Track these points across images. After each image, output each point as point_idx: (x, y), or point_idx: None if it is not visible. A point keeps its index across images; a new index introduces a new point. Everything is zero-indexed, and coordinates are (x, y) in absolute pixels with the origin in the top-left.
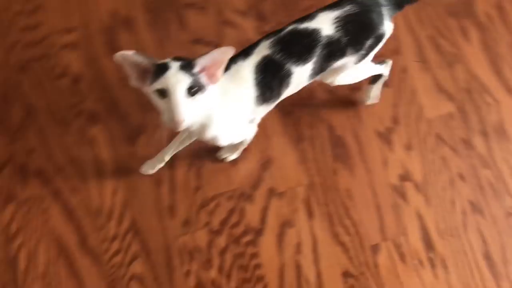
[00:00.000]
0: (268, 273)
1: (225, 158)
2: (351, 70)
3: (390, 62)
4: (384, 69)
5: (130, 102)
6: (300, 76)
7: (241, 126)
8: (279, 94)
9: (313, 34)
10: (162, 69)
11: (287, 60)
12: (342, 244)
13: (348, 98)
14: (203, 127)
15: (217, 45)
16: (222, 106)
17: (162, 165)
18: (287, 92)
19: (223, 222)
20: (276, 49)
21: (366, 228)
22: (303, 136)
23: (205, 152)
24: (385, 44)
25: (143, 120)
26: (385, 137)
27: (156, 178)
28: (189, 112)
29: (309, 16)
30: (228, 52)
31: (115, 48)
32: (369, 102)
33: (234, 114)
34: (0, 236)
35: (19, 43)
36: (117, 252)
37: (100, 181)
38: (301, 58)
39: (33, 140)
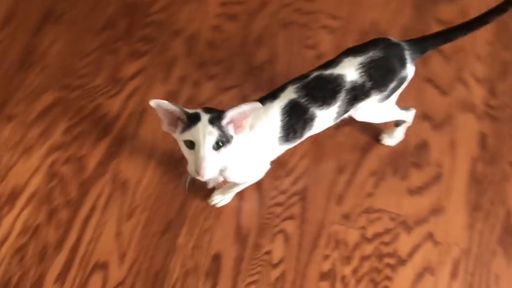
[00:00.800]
0: None
1: (216, 203)
2: (374, 108)
3: (413, 111)
4: (408, 116)
5: None
6: (324, 119)
7: (260, 165)
8: (301, 135)
9: (337, 80)
10: (193, 119)
11: (312, 105)
12: None
13: None
14: (233, 166)
15: (444, 92)
16: (246, 146)
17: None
18: (309, 134)
19: (376, 235)
20: (302, 94)
21: None
22: (481, 207)
23: (392, 170)
24: None
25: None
26: None
27: (341, 165)
28: (213, 165)
29: (334, 62)
30: (256, 107)
31: None
32: (388, 142)
33: (257, 154)
34: None
35: (293, 5)
36: (279, 204)
37: None
38: (325, 102)
39: (262, 83)
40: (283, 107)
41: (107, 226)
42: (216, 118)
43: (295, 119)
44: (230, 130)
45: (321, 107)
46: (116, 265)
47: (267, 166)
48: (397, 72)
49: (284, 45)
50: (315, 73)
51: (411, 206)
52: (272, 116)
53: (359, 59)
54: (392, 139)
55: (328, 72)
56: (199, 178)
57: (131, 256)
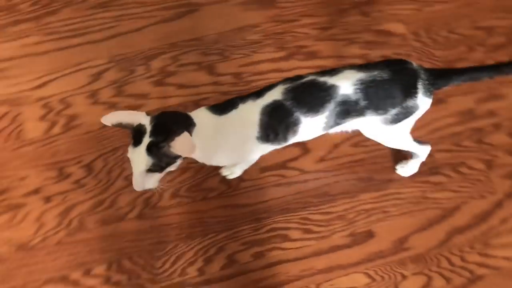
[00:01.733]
0: None
1: (226, 175)
2: (378, 129)
3: (428, 147)
4: (420, 150)
5: None
6: (310, 126)
7: (243, 156)
8: (285, 138)
9: (329, 90)
10: (136, 138)
11: (297, 109)
12: None
13: None
14: (206, 158)
15: None
16: (224, 141)
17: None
18: (295, 139)
19: None
20: (288, 96)
21: None
22: None
23: None
24: None
25: None
26: None
27: None
28: (146, 183)
29: (334, 71)
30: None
31: None
32: (401, 172)
33: (235, 149)
34: None
35: None
36: (454, 272)
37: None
38: (312, 110)
39: None
40: (264, 107)
41: None
42: (156, 145)
43: (277, 121)
44: (174, 153)
45: (306, 114)
46: (313, 158)
47: (253, 159)
48: (399, 99)
49: None
50: (310, 77)
51: None
52: (250, 114)
53: (360, 75)
54: (405, 170)
55: (322, 79)
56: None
57: (331, 165)
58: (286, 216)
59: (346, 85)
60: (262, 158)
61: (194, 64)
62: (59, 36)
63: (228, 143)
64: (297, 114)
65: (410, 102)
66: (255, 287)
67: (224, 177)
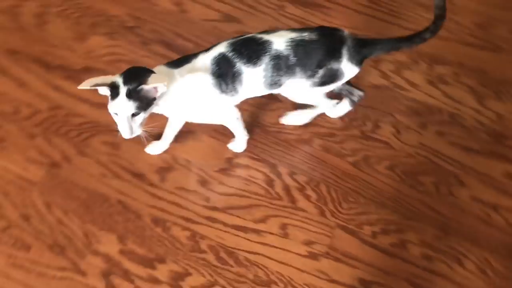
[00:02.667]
0: None
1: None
2: (303, 90)
3: (334, 101)
4: (325, 105)
5: None
6: (252, 78)
7: (210, 108)
8: (234, 89)
9: (264, 44)
10: (114, 92)
11: (238, 59)
12: None
13: None
14: (174, 112)
15: None
16: (185, 92)
17: (165, 148)
18: (246, 91)
19: None
20: (231, 49)
21: None
22: None
23: None
24: None
25: None
26: None
27: None
28: (132, 129)
29: (271, 31)
30: (163, 85)
31: None
32: (286, 120)
33: (198, 98)
34: None
35: None
36: None
37: None
38: (250, 60)
39: None
40: (213, 58)
41: None
42: (133, 90)
43: (224, 71)
44: (151, 92)
45: (246, 64)
46: None
47: (231, 112)
48: (323, 59)
49: None
50: (249, 35)
51: None
52: (203, 64)
53: (292, 34)
54: (290, 118)
55: (259, 36)
56: (125, 138)
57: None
58: (471, 246)
59: (279, 41)
60: (477, 189)
61: (468, 86)
62: (377, 7)
63: (190, 90)
64: (239, 64)
65: (334, 65)
66: (407, 277)
67: (439, 180)
